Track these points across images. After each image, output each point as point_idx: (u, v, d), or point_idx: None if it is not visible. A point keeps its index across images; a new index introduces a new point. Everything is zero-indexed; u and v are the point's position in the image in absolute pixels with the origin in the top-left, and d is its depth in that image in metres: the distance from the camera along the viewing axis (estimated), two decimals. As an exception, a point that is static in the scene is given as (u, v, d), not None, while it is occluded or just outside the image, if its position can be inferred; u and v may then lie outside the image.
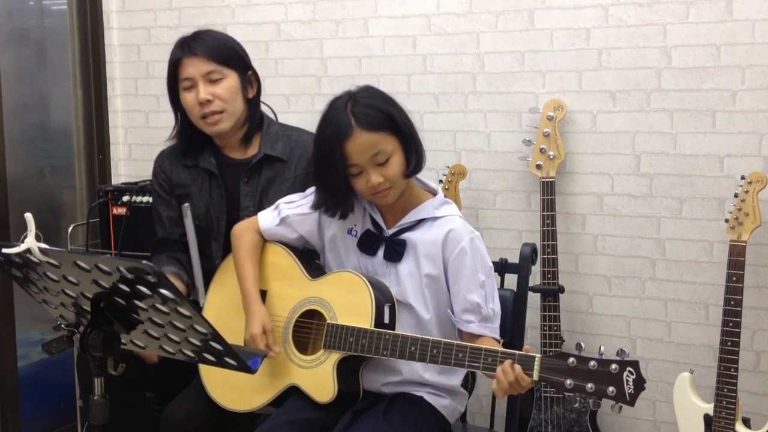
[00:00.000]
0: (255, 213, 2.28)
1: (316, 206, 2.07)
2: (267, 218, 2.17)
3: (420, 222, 2.03)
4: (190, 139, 2.42)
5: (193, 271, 2.40)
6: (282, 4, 3.18)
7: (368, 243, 2.06)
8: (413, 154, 1.98)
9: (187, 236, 2.41)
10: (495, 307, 2.01)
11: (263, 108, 2.50)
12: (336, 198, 2.01)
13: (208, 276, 2.33)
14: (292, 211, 2.14)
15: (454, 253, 1.98)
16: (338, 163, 1.92)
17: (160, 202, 2.49)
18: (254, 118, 2.41)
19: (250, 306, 2.08)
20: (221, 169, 2.41)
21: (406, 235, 2.03)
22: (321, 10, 3.12)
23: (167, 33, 3.40)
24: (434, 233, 2.01)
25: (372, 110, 1.93)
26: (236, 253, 2.17)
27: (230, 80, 2.33)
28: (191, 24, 3.34)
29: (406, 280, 2.02)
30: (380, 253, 2.04)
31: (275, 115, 2.54)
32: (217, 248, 2.40)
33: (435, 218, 2.03)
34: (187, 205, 2.41)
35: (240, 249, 2.16)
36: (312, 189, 2.15)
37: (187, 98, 2.33)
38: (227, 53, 2.35)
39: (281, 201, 2.19)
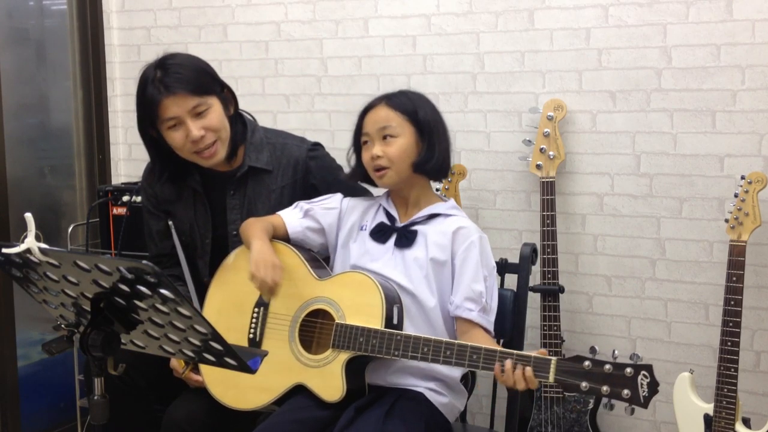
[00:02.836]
0: None
1: (351, 177, 2.21)
2: (291, 214, 2.22)
3: (431, 217, 2.11)
4: (174, 166, 2.33)
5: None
6: (282, 4, 3.18)
7: (381, 232, 2.13)
8: (428, 154, 2.08)
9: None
10: (493, 303, 2.08)
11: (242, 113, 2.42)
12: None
13: (200, 291, 2.31)
14: (317, 204, 2.22)
15: (463, 246, 2.06)
16: (358, 127, 2.14)
17: (149, 217, 2.44)
18: (237, 132, 2.32)
19: (261, 245, 2.07)
20: (207, 183, 2.35)
21: (417, 227, 2.11)
22: (321, 10, 3.12)
23: (167, 33, 3.41)
24: (445, 227, 2.09)
25: (407, 99, 2.12)
26: (248, 230, 2.15)
27: (215, 107, 2.23)
28: (191, 24, 3.35)
29: (412, 266, 2.06)
30: (390, 241, 2.10)
31: (253, 118, 2.46)
32: (203, 266, 2.37)
33: (447, 215, 2.12)
34: (171, 223, 2.37)
35: (254, 227, 2.15)
36: (330, 195, 2.25)
37: (175, 137, 2.21)
38: (204, 81, 2.23)
39: (300, 202, 2.24)
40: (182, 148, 2.23)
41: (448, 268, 2.06)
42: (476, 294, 2.03)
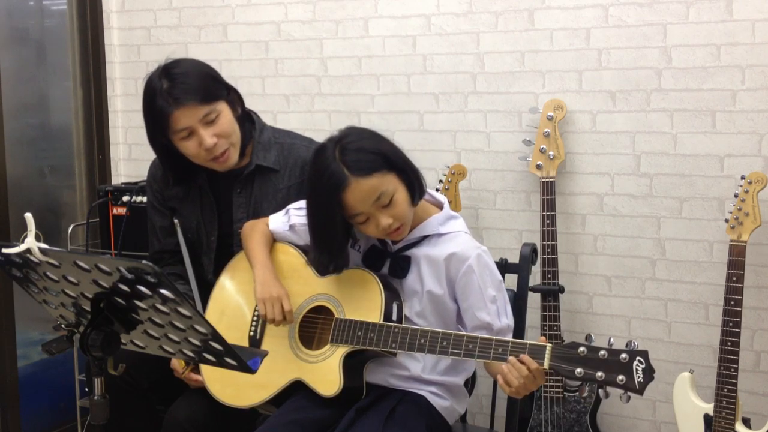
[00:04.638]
0: None
1: (312, 261, 2.03)
2: (277, 222, 2.18)
3: (425, 238, 2.02)
4: (181, 166, 2.31)
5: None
6: (282, 4, 3.18)
7: (373, 258, 2.05)
8: (414, 183, 1.94)
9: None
10: (508, 320, 2.01)
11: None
12: (333, 254, 1.97)
13: (203, 288, 2.31)
14: (300, 220, 2.13)
15: (460, 272, 1.97)
16: (337, 215, 1.89)
17: (154, 213, 2.44)
18: (246, 131, 2.32)
19: (266, 274, 2.06)
20: (214, 180, 2.35)
21: (410, 251, 2.02)
22: (321, 10, 3.12)
23: (167, 33, 3.41)
24: (438, 250, 2.00)
25: (362, 153, 1.87)
26: (248, 241, 2.17)
27: (225, 112, 2.21)
28: (191, 24, 3.35)
29: (410, 295, 2.02)
30: (385, 268, 2.04)
31: (258, 117, 2.44)
32: (208, 264, 2.37)
33: (440, 235, 2.02)
34: (176, 221, 2.37)
35: (252, 236, 2.16)
36: None
37: (189, 146, 2.20)
38: (211, 87, 2.21)
39: (291, 206, 2.18)
40: (197, 156, 2.22)
41: (446, 299, 2.00)
42: (483, 323, 1.97)
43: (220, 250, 2.35)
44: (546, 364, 1.73)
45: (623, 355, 1.67)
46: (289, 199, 2.30)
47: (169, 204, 2.41)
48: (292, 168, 2.35)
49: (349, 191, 1.85)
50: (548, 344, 1.75)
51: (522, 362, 1.74)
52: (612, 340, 1.72)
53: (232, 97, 2.29)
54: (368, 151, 1.87)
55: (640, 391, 1.66)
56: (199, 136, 2.18)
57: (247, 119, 2.36)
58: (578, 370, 1.70)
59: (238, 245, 2.29)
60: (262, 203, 2.33)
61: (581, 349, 1.70)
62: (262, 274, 2.07)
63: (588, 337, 1.75)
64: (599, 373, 1.68)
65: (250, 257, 2.15)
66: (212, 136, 2.18)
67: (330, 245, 1.97)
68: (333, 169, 1.85)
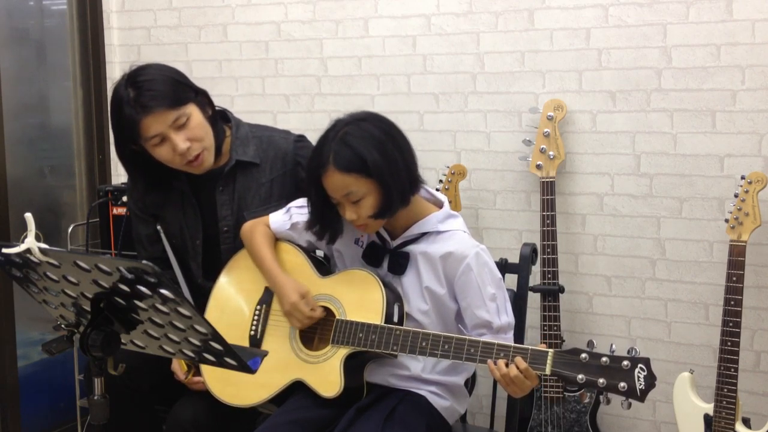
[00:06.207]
0: (234, 222, 2.27)
1: (308, 226, 2.09)
2: (278, 220, 2.18)
3: (423, 235, 2.03)
4: (156, 172, 2.29)
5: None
6: (282, 4, 3.18)
7: (373, 255, 2.06)
8: (392, 196, 1.93)
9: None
10: (509, 318, 2.01)
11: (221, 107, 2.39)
12: (324, 221, 2.04)
13: (194, 292, 2.31)
14: (302, 218, 2.13)
15: (459, 270, 1.98)
16: (320, 192, 1.97)
17: (137, 221, 2.42)
18: (219, 130, 2.29)
19: (277, 278, 2.08)
20: (194, 182, 2.31)
21: (409, 248, 2.03)
22: (321, 10, 3.12)
23: (167, 33, 3.41)
24: (436, 248, 2.01)
25: (351, 151, 1.91)
26: (251, 241, 2.17)
27: (195, 115, 2.18)
28: (191, 24, 3.35)
29: (409, 292, 2.02)
30: (384, 264, 2.05)
31: (232, 114, 2.41)
32: (196, 268, 2.35)
33: (438, 232, 2.03)
34: (159, 228, 2.36)
35: (255, 238, 2.16)
36: None
37: (162, 152, 2.18)
38: (179, 91, 2.17)
39: (292, 205, 2.18)
40: (171, 161, 2.20)
41: (446, 297, 2.01)
42: (483, 321, 1.97)
43: (207, 252, 2.34)
44: (547, 369, 1.74)
45: (625, 362, 1.67)
46: (272, 191, 2.29)
47: (150, 211, 2.38)
48: (273, 161, 2.33)
49: (326, 177, 1.94)
50: (550, 350, 1.75)
51: (516, 366, 1.77)
52: (614, 346, 1.73)
53: (201, 98, 2.25)
54: (356, 153, 1.91)
55: (642, 399, 1.67)
56: (171, 141, 2.15)
57: (221, 118, 2.34)
58: (580, 376, 1.70)
59: (225, 244, 2.29)
60: (245, 198, 2.31)
61: (583, 355, 1.71)
62: (273, 282, 2.09)
63: (590, 343, 1.75)
64: (601, 380, 1.69)
65: (262, 268, 2.14)
66: (185, 140, 2.16)
67: (320, 214, 2.03)
68: (324, 151, 1.94)
